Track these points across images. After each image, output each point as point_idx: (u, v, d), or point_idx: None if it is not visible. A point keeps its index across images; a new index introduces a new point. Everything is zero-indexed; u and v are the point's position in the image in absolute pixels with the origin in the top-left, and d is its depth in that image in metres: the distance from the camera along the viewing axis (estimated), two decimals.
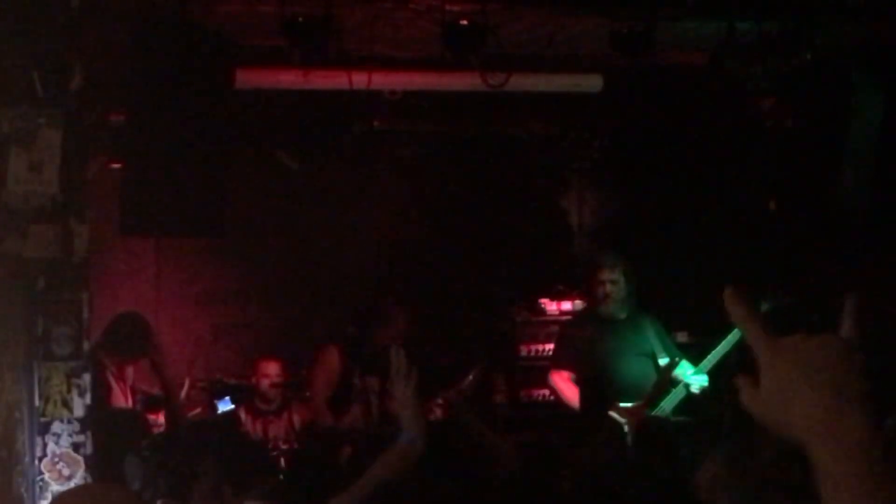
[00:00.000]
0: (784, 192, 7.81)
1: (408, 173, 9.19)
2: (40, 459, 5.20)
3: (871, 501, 1.11)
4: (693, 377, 6.42)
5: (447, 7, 5.92)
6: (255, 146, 8.25)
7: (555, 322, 8.48)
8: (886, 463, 1.13)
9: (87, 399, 5.34)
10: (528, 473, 4.53)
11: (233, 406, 7.62)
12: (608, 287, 6.67)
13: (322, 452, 6.32)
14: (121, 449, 5.51)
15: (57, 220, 5.25)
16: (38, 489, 5.18)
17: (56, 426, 5.25)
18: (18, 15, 5.12)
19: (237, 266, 9.03)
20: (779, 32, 6.18)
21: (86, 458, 5.27)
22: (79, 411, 5.30)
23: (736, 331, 6.19)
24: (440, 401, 7.05)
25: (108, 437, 5.68)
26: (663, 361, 6.57)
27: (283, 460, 6.65)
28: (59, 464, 5.21)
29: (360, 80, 6.77)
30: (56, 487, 5.10)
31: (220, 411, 7.59)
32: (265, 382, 7.49)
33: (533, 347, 8.63)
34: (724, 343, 6.32)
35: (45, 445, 5.21)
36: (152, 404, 6.86)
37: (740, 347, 6.33)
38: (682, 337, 7.44)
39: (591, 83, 7.42)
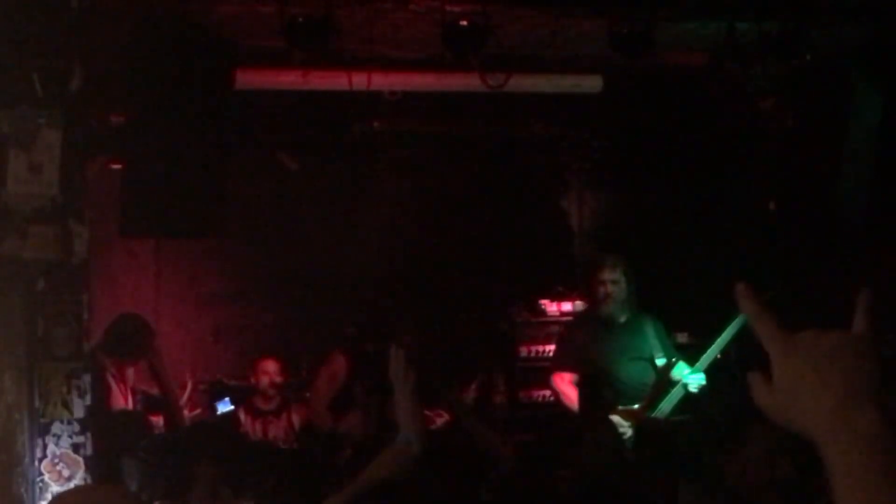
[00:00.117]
0: (784, 192, 7.81)
1: (408, 174, 9.18)
2: (40, 460, 5.20)
3: (885, 497, 1.11)
4: (691, 377, 6.43)
5: (447, 8, 5.92)
6: (254, 147, 8.25)
7: (555, 323, 8.47)
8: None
9: (87, 400, 5.35)
10: (527, 474, 4.53)
11: (232, 407, 7.62)
12: (609, 287, 6.67)
13: (321, 454, 6.33)
14: (122, 450, 5.52)
15: (57, 220, 5.26)
16: (37, 490, 5.18)
17: (56, 427, 5.25)
18: (18, 16, 5.12)
19: (237, 267, 9.03)
20: (778, 33, 6.18)
21: (86, 458, 5.28)
22: (79, 412, 5.30)
23: (730, 328, 6.20)
24: (443, 412, 7.06)
25: (110, 439, 5.69)
26: (661, 363, 6.57)
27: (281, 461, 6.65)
28: (59, 464, 5.21)
29: (359, 80, 6.77)
30: (56, 488, 5.11)
31: (219, 412, 7.60)
32: (264, 380, 7.50)
33: (533, 348, 8.62)
34: (718, 341, 6.33)
35: (45, 446, 5.22)
36: (153, 405, 6.86)
37: (740, 344, 6.34)
38: (682, 337, 7.43)
39: (591, 84, 7.42)
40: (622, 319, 6.73)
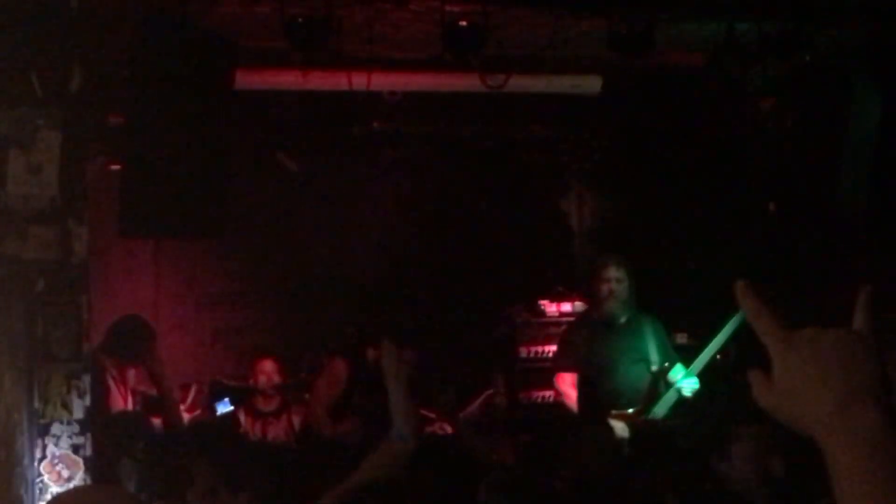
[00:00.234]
0: (783, 192, 7.81)
1: (407, 174, 9.18)
2: (40, 461, 5.20)
3: (887, 494, 1.10)
4: (684, 381, 6.41)
5: (447, 8, 5.92)
6: (254, 147, 8.25)
7: (555, 323, 8.46)
8: None
9: (87, 401, 5.35)
10: (527, 474, 4.52)
11: (232, 408, 7.62)
12: (613, 285, 6.66)
13: (320, 456, 6.32)
14: (122, 451, 5.52)
15: (56, 221, 5.26)
16: (37, 491, 5.18)
17: (55, 428, 5.25)
18: (18, 16, 5.12)
19: (237, 268, 9.03)
20: (778, 33, 6.18)
21: (85, 459, 5.27)
22: (78, 413, 5.30)
23: (725, 329, 6.20)
24: (448, 424, 7.07)
25: (110, 440, 5.68)
26: (655, 367, 6.56)
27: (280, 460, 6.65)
28: (58, 465, 5.21)
29: (359, 81, 6.77)
30: (55, 489, 5.11)
31: (219, 413, 7.59)
32: (262, 379, 7.50)
33: (532, 349, 8.62)
34: (713, 343, 6.32)
35: (44, 447, 5.21)
36: (153, 406, 6.86)
37: (739, 344, 6.33)
38: (681, 338, 7.43)
39: (591, 84, 7.42)
40: (623, 320, 6.73)
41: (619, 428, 6.09)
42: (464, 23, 5.94)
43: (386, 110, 7.98)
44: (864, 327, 1.24)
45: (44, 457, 5.20)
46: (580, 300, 8.24)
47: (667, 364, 6.55)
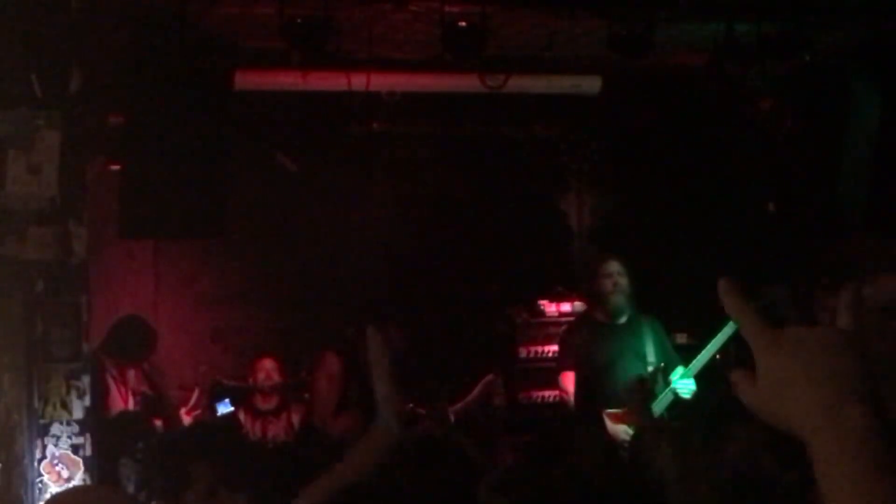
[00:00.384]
0: (783, 192, 7.81)
1: (406, 175, 9.18)
2: (39, 461, 5.20)
3: (873, 493, 1.09)
4: (680, 382, 6.41)
5: (446, 9, 5.92)
6: (253, 148, 8.25)
7: (554, 323, 8.46)
8: (889, 455, 1.11)
9: (87, 401, 5.35)
10: (526, 474, 4.52)
11: (232, 408, 7.62)
12: (616, 278, 6.68)
13: (320, 453, 6.32)
14: (122, 451, 5.52)
15: (56, 222, 5.26)
16: (37, 491, 5.18)
17: (55, 428, 5.25)
18: (18, 17, 5.12)
19: (236, 268, 9.03)
20: (777, 34, 6.18)
21: (85, 459, 5.28)
22: (78, 413, 5.31)
23: (724, 330, 6.20)
24: (451, 414, 7.08)
25: (111, 440, 5.69)
26: (651, 368, 6.57)
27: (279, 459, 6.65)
28: (58, 465, 5.21)
29: (358, 81, 6.77)
30: (55, 489, 5.11)
31: (219, 413, 7.59)
32: (261, 377, 7.51)
33: (532, 349, 8.62)
34: (711, 344, 6.32)
35: (44, 447, 5.22)
36: (154, 407, 6.86)
37: (738, 345, 6.33)
38: (681, 339, 7.43)
39: (590, 84, 7.42)
40: (623, 320, 6.74)
41: (622, 430, 6.10)
42: (463, 23, 5.94)
43: (385, 111, 7.98)
44: (849, 325, 1.23)
45: (43, 457, 5.20)
46: (580, 300, 8.23)
47: (663, 364, 6.55)
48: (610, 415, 6.26)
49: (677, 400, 6.41)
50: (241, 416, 7.46)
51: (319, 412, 7.03)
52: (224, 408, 7.61)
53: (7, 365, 5.18)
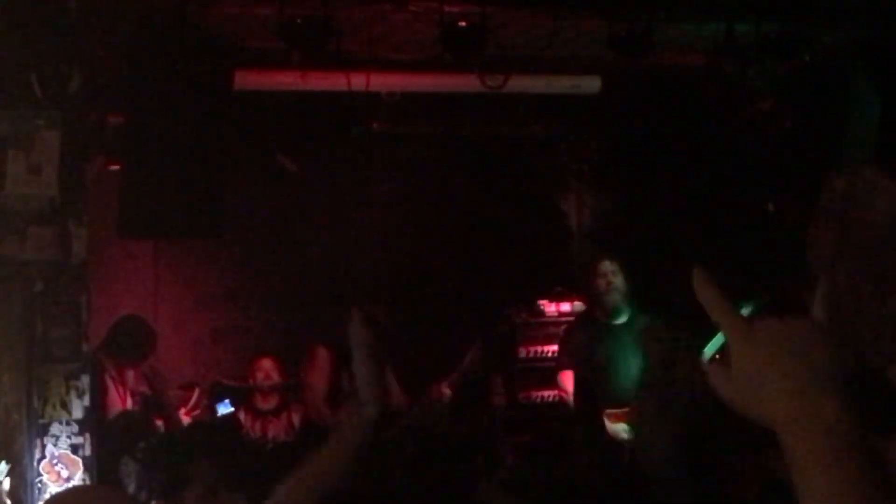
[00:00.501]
0: (782, 193, 7.81)
1: (406, 175, 9.18)
2: (39, 461, 5.20)
3: (846, 487, 1.08)
4: None
5: (446, 9, 5.92)
6: (253, 148, 8.25)
7: (554, 323, 8.47)
8: (862, 448, 1.10)
9: (86, 401, 5.35)
10: (528, 473, 4.53)
11: (232, 409, 7.62)
12: (610, 277, 6.70)
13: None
14: (123, 451, 5.52)
15: (55, 222, 5.26)
16: (36, 491, 5.18)
17: (55, 428, 5.25)
18: (17, 16, 5.12)
19: (236, 268, 9.03)
20: (777, 34, 6.18)
21: (84, 459, 5.28)
22: (77, 413, 5.31)
23: (721, 334, 6.18)
24: (446, 388, 7.11)
25: (113, 440, 5.70)
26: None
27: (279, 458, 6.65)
28: (57, 465, 5.21)
29: (358, 81, 6.77)
30: (55, 489, 5.11)
31: (219, 414, 7.59)
32: (261, 376, 7.51)
33: (532, 349, 8.62)
34: (710, 344, 6.30)
35: (43, 447, 5.22)
36: (154, 407, 6.86)
37: None
38: None
39: (590, 84, 7.42)
40: (622, 319, 6.74)
41: (622, 429, 6.10)
42: (463, 23, 5.94)
43: (385, 111, 7.98)
44: (821, 317, 1.25)
45: (43, 457, 5.20)
46: (580, 300, 8.24)
47: None
48: (609, 414, 6.26)
49: None
50: (241, 415, 7.46)
51: (314, 406, 7.05)
52: (224, 408, 7.61)
53: (7, 365, 5.18)
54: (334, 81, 6.84)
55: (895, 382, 1.56)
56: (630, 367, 6.61)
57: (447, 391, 7.16)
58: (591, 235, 9.61)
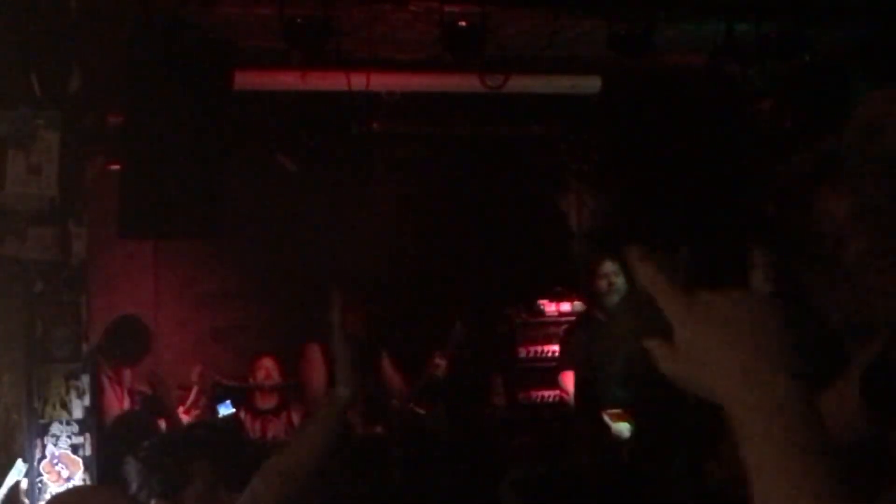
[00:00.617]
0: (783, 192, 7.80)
1: (407, 174, 9.19)
2: (39, 461, 5.20)
3: (795, 462, 1.04)
4: None
5: (446, 9, 5.92)
6: (253, 148, 8.25)
7: (554, 323, 8.47)
8: (815, 425, 1.06)
9: (86, 401, 5.35)
10: (525, 473, 4.53)
11: (233, 410, 7.62)
12: (612, 278, 6.71)
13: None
14: (126, 451, 5.52)
15: (55, 222, 5.26)
16: (36, 491, 5.18)
17: (55, 428, 5.25)
18: (17, 16, 5.12)
19: (236, 268, 9.03)
20: (777, 34, 6.18)
21: (84, 459, 5.27)
22: (77, 413, 5.30)
23: None
24: (440, 359, 7.13)
25: (117, 440, 5.70)
26: None
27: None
28: (57, 465, 5.21)
29: (358, 81, 6.78)
30: (55, 489, 5.11)
31: (221, 415, 7.58)
32: (261, 376, 7.52)
33: (532, 349, 8.62)
34: None
35: (43, 447, 5.21)
36: (154, 406, 6.86)
37: None
38: None
39: (590, 84, 7.43)
40: None
41: (623, 428, 6.10)
42: (463, 23, 5.94)
43: (385, 110, 7.98)
44: (763, 288, 1.21)
45: (43, 456, 5.20)
46: (580, 300, 8.24)
47: None
48: (610, 414, 6.26)
49: None
50: (241, 415, 7.46)
51: (314, 402, 7.06)
52: (225, 409, 7.61)
53: (7, 365, 5.18)
54: (334, 81, 6.84)
55: None
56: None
57: (441, 362, 7.20)
58: (591, 235, 9.61)
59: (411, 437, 6.80)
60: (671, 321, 1.16)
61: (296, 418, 7.45)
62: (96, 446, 5.38)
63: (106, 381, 6.52)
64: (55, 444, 5.22)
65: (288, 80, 6.88)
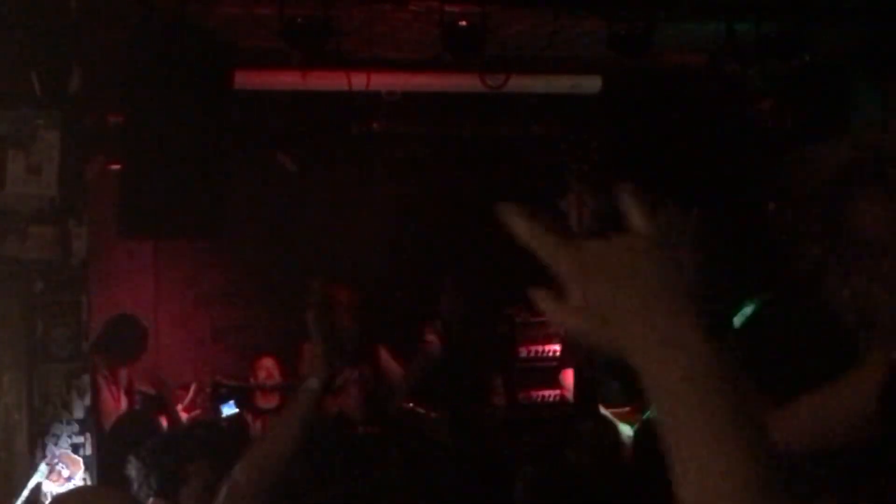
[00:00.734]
0: (782, 192, 7.81)
1: (406, 175, 9.18)
2: (40, 460, 5.20)
3: (712, 418, 0.94)
4: None
5: (446, 8, 5.92)
6: (253, 148, 8.25)
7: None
8: (730, 374, 0.96)
9: (87, 400, 5.35)
10: (525, 473, 4.53)
11: (237, 410, 7.62)
12: None
13: (331, 440, 6.36)
14: (129, 451, 5.52)
15: (56, 221, 5.26)
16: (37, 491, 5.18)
17: (55, 427, 5.25)
18: (17, 16, 5.12)
19: (236, 268, 9.03)
20: (777, 33, 6.18)
21: (85, 458, 5.28)
22: (78, 412, 5.31)
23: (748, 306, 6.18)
24: (431, 335, 7.14)
25: (120, 440, 5.70)
26: None
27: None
28: (58, 465, 5.21)
29: (358, 81, 6.78)
30: (56, 489, 5.11)
31: (224, 415, 7.58)
32: (262, 374, 7.53)
33: (532, 348, 8.62)
34: (737, 317, 6.29)
35: (44, 447, 5.22)
36: (154, 406, 6.87)
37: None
38: None
39: (590, 84, 7.43)
40: None
41: (625, 428, 6.11)
42: (463, 23, 5.94)
43: (385, 110, 7.98)
44: (648, 229, 1.10)
45: (44, 456, 5.20)
46: None
47: None
48: (613, 413, 6.26)
49: None
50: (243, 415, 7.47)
51: None
52: (229, 409, 7.61)
53: (7, 364, 5.18)
54: (334, 81, 6.84)
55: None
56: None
57: (433, 338, 7.20)
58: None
59: (411, 437, 6.79)
60: (561, 274, 1.08)
61: None
62: (96, 446, 5.38)
63: (102, 381, 6.51)
64: (56, 444, 5.23)
65: (288, 80, 6.88)
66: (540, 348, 8.53)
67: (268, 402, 7.54)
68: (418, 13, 6.05)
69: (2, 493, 5.11)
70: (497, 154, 9.09)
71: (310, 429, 2.57)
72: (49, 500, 4.93)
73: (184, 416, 7.04)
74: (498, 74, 6.51)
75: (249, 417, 7.47)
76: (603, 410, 6.28)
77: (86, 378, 5.37)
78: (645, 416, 6.38)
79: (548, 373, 7.72)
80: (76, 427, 5.28)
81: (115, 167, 6.46)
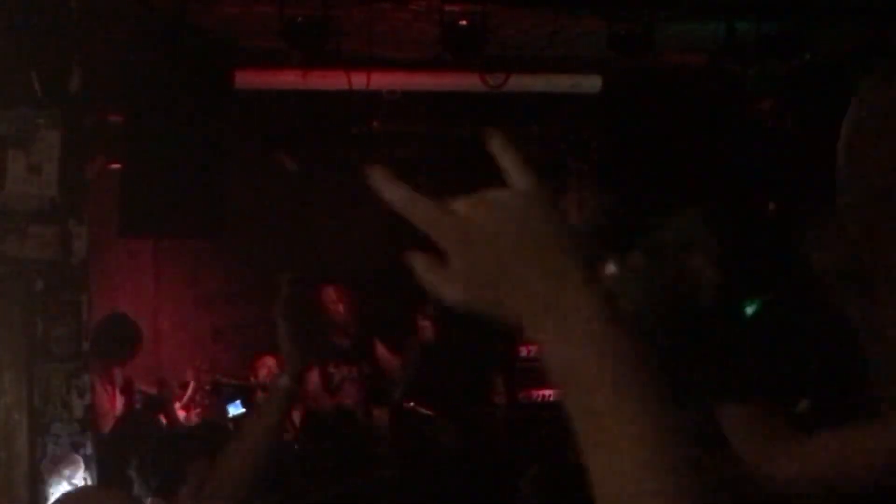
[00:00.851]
0: (783, 192, 7.81)
1: (407, 175, 9.16)
2: (40, 460, 5.20)
3: (615, 387, 0.86)
4: None
5: (446, 8, 5.93)
6: (253, 147, 8.25)
7: None
8: (620, 335, 0.88)
9: (87, 400, 5.35)
10: (544, 469, 4.54)
11: (244, 410, 7.61)
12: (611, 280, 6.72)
13: (330, 439, 6.36)
14: (131, 451, 5.53)
15: (56, 221, 5.26)
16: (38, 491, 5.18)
17: (55, 427, 5.25)
18: (17, 15, 5.12)
19: (236, 267, 9.04)
20: (778, 33, 6.18)
21: (85, 458, 5.28)
22: (78, 412, 5.30)
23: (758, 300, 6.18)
24: (424, 320, 7.15)
25: (121, 440, 5.71)
26: None
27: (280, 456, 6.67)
28: (58, 465, 5.21)
29: (358, 80, 6.78)
30: (56, 489, 5.11)
31: (231, 415, 7.57)
32: (263, 374, 7.53)
33: (532, 348, 8.60)
34: (748, 309, 6.29)
35: (44, 446, 5.22)
36: (154, 405, 6.86)
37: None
38: None
39: (590, 84, 7.43)
40: None
41: None
42: (463, 23, 5.95)
43: (385, 110, 7.98)
44: (527, 186, 1.03)
45: (44, 456, 5.20)
46: None
47: None
48: None
49: None
50: None
51: (314, 397, 7.09)
52: (235, 409, 7.61)
53: (7, 364, 5.18)
54: (334, 80, 6.85)
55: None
56: None
57: (426, 324, 7.21)
58: (591, 235, 9.60)
59: (411, 437, 6.80)
60: (440, 241, 1.02)
61: (296, 418, 7.45)
62: (95, 445, 5.39)
63: (96, 381, 6.50)
64: (56, 444, 5.23)
65: (288, 80, 6.88)
66: None
67: None
68: (418, 13, 6.06)
69: (2, 493, 5.11)
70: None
71: (283, 425, 2.58)
72: (50, 500, 4.93)
73: (181, 414, 7.04)
74: (498, 74, 6.52)
75: None
76: None
77: (86, 378, 5.37)
78: None
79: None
80: (76, 427, 5.28)
81: (115, 167, 6.46)
